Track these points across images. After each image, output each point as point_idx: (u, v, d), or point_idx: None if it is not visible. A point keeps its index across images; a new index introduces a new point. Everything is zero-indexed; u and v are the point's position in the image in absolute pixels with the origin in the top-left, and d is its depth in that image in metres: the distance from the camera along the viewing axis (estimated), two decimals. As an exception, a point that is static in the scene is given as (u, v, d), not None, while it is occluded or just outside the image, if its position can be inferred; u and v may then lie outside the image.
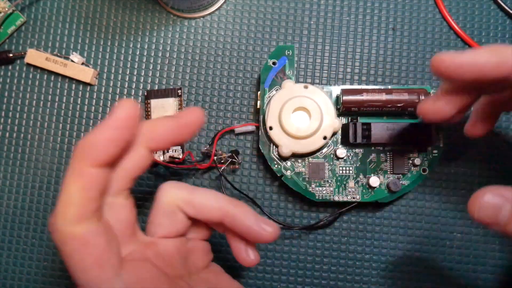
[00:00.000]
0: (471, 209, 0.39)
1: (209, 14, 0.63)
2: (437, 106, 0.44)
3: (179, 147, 0.60)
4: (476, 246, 0.59)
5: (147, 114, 0.61)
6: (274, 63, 0.58)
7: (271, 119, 0.55)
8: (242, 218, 0.42)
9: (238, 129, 0.60)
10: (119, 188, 0.40)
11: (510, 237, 0.39)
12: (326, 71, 0.62)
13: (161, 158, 0.60)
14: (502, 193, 0.39)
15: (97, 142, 0.36)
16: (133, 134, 0.38)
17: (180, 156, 0.60)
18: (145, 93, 0.61)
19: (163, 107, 0.61)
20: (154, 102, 0.61)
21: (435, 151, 0.57)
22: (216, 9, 0.63)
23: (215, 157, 0.58)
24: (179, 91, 0.61)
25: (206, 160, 0.60)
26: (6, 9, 0.61)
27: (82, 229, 0.35)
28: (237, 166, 0.60)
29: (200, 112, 0.41)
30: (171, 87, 0.62)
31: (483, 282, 0.59)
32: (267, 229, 0.42)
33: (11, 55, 0.61)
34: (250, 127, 0.60)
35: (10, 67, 0.62)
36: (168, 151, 0.60)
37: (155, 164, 0.60)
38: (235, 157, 0.59)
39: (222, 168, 0.58)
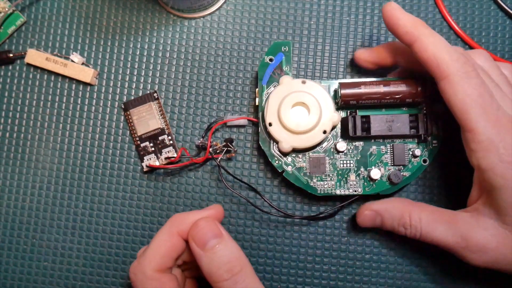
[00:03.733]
0: (358, 220, 0.56)
1: (209, 14, 0.63)
2: (363, 55, 0.58)
3: (171, 147, 0.60)
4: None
5: (129, 125, 0.61)
6: (271, 60, 0.58)
7: (270, 115, 0.55)
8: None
9: (230, 122, 0.60)
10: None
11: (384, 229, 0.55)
12: (326, 72, 0.62)
13: (157, 163, 0.60)
14: (373, 208, 0.54)
15: (190, 221, 0.49)
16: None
17: (175, 155, 0.59)
18: (122, 106, 0.62)
19: (145, 115, 0.61)
20: (134, 112, 0.61)
21: (435, 141, 0.56)
22: (216, 9, 0.63)
23: (210, 148, 0.58)
24: (155, 94, 0.61)
25: (201, 153, 0.60)
26: (6, 9, 0.61)
27: (161, 275, 0.47)
28: (233, 154, 0.60)
29: (220, 207, 0.53)
30: (171, 86, 0.62)
31: (483, 281, 0.59)
32: None
33: (11, 55, 0.62)
34: (243, 121, 0.60)
35: (10, 67, 0.63)
36: (161, 154, 0.60)
37: (153, 169, 0.60)
38: (230, 145, 0.58)
39: (219, 158, 0.58)
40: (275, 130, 0.55)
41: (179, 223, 0.49)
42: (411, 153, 0.56)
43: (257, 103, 0.58)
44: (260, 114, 0.57)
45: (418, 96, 0.54)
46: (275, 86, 0.57)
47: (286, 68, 0.58)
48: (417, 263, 0.59)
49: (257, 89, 0.58)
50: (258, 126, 0.58)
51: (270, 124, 0.55)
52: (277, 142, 0.56)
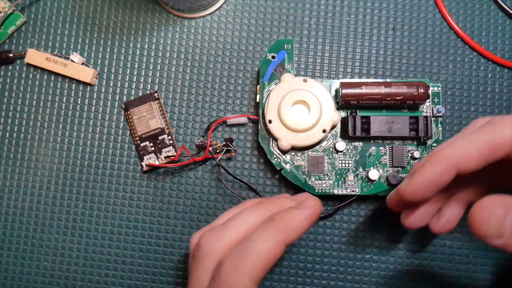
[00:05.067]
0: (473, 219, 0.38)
1: (209, 14, 0.63)
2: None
3: (171, 146, 0.60)
4: (476, 246, 0.59)
5: (130, 124, 0.61)
6: (273, 57, 0.58)
7: (270, 113, 0.55)
8: None
9: (230, 121, 0.60)
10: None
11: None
12: (327, 71, 0.62)
13: (157, 162, 0.60)
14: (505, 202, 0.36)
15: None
16: None
17: (175, 154, 0.59)
18: (123, 105, 0.61)
19: (145, 115, 0.61)
20: (135, 111, 0.61)
21: (434, 144, 0.56)
22: (216, 9, 0.63)
23: (210, 148, 0.58)
24: (156, 94, 0.61)
25: (201, 153, 0.60)
26: (6, 9, 0.61)
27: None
28: (233, 154, 0.60)
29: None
30: (171, 86, 0.62)
31: (482, 282, 0.59)
32: None
33: (11, 55, 0.61)
34: (243, 119, 0.60)
35: (10, 67, 0.63)
36: (161, 153, 0.60)
37: (153, 168, 0.60)
38: (230, 144, 0.58)
39: (219, 158, 0.58)
40: (275, 128, 0.55)
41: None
42: (410, 155, 0.56)
43: (258, 100, 0.58)
44: (260, 111, 0.57)
45: (419, 98, 0.54)
46: (276, 83, 0.58)
47: (288, 66, 0.58)
48: (417, 263, 0.59)
49: (258, 86, 0.58)
50: (258, 124, 0.58)
51: (270, 121, 0.55)
52: (276, 140, 0.56)
